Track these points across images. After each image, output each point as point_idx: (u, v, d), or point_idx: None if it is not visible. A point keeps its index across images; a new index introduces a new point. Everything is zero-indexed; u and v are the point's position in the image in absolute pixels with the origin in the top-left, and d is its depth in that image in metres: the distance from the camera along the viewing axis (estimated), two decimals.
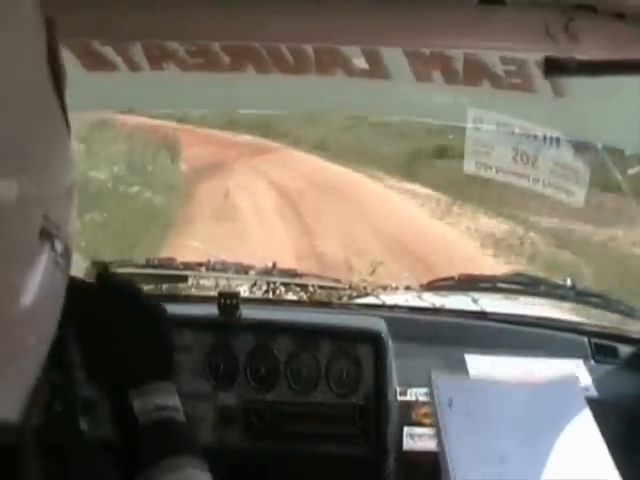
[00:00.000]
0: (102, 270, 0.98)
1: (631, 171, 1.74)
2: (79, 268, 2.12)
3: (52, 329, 0.65)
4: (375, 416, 1.76)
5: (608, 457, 1.43)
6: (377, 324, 1.85)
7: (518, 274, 2.27)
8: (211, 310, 1.81)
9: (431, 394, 1.44)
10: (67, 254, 0.65)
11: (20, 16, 0.61)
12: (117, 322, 0.92)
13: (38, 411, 0.65)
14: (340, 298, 2.12)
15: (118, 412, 0.89)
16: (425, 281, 2.21)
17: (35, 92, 0.61)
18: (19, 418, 0.60)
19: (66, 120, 0.66)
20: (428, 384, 1.47)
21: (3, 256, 0.55)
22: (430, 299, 2.09)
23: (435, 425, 1.40)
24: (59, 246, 0.62)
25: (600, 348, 1.92)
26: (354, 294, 2.15)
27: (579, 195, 1.70)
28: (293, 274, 2.21)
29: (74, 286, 0.83)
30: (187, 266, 2.18)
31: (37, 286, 0.59)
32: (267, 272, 2.19)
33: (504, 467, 1.35)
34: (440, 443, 1.38)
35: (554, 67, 1.14)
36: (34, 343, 0.62)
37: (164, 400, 0.89)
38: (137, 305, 0.95)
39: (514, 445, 1.39)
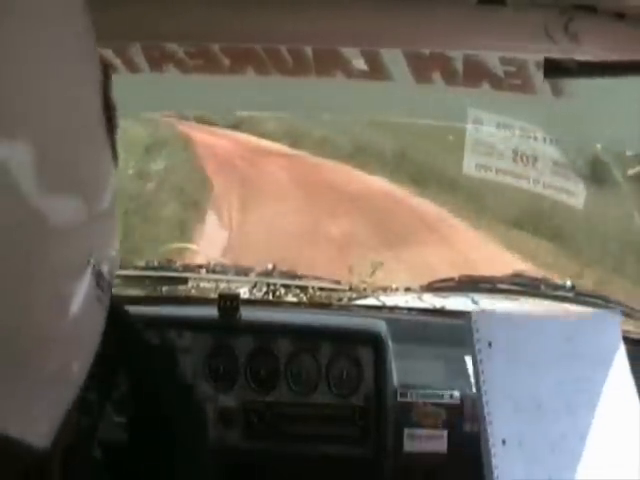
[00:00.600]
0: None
1: (631, 171, 1.74)
2: None
3: (92, 353, 0.65)
4: (375, 417, 1.76)
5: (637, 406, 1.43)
6: (377, 325, 1.85)
7: (518, 274, 2.27)
8: (211, 312, 1.81)
9: (471, 334, 1.41)
10: (109, 291, 0.65)
11: (80, 44, 0.62)
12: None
13: (66, 435, 0.65)
14: (340, 299, 2.12)
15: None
16: (425, 282, 2.21)
17: (87, 115, 0.61)
18: (48, 444, 0.59)
19: (113, 146, 0.66)
20: (467, 324, 1.42)
21: (51, 275, 0.55)
22: (430, 300, 2.08)
23: (474, 368, 1.37)
24: (103, 283, 0.62)
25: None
26: (354, 295, 2.14)
27: (579, 195, 1.70)
28: (293, 276, 2.21)
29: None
30: (187, 268, 2.18)
31: (82, 307, 0.58)
32: (267, 274, 2.19)
33: (540, 418, 1.34)
34: (479, 391, 1.35)
35: (554, 68, 1.14)
36: (74, 368, 0.62)
37: None
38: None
39: (550, 391, 1.37)
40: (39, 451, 0.58)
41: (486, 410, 1.32)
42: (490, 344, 1.38)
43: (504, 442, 1.31)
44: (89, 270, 0.59)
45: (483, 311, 1.45)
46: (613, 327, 1.50)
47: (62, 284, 0.56)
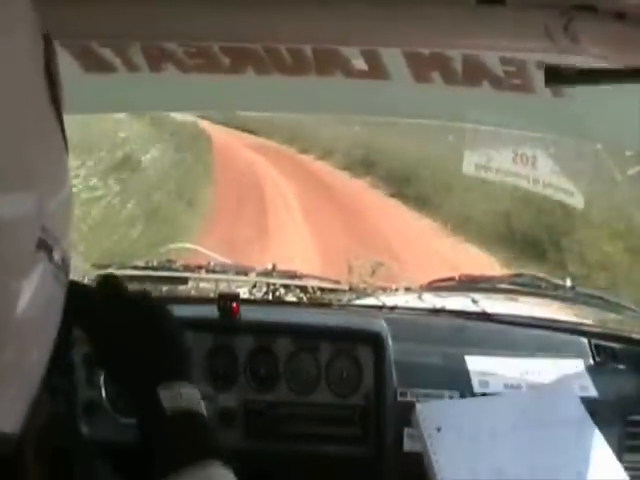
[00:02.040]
0: (110, 279, 0.98)
1: (631, 171, 1.74)
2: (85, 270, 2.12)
3: (51, 340, 0.65)
4: (375, 417, 1.76)
5: (613, 457, 1.41)
6: (377, 325, 1.85)
7: (518, 274, 2.27)
8: (211, 312, 1.81)
9: (417, 425, 1.40)
10: (65, 265, 0.65)
11: (18, 28, 0.61)
12: (135, 326, 0.92)
13: (37, 419, 0.65)
14: (340, 299, 2.12)
15: (143, 407, 0.89)
16: (425, 282, 2.21)
17: (33, 105, 0.61)
18: (18, 430, 0.59)
19: (63, 131, 0.66)
20: (414, 417, 1.42)
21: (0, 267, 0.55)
22: (430, 300, 2.08)
23: (425, 454, 1.37)
24: (57, 257, 0.62)
25: (600, 349, 1.91)
26: (354, 295, 2.14)
27: (579, 195, 1.70)
28: (293, 275, 2.21)
29: (84, 291, 0.83)
30: (187, 268, 2.18)
31: (35, 297, 0.58)
32: (267, 274, 2.19)
33: None
34: (432, 470, 1.35)
35: (555, 75, 1.14)
36: (33, 354, 0.62)
37: (191, 396, 0.89)
38: (153, 308, 0.95)
39: (511, 457, 1.36)
40: (10, 437, 0.58)
41: None
42: (439, 429, 1.39)
43: None
44: (43, 257, 0.59)
45: (427, 403, 1.46)
46: (570, 399, 1.49)
47: (12, 272, 0.56)
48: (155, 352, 0.91)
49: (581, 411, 1.45)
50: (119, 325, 0.91)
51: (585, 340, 1.94)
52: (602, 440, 1.43)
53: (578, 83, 1.16)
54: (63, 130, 0.66)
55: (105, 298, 0.93)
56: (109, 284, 0.95)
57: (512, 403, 1.43)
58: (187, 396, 0.88)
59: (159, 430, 0.86)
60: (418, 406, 1.36)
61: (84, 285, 0.97)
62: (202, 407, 0.90)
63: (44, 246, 0.59)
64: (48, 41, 0.65)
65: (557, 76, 1.14)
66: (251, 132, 15.58)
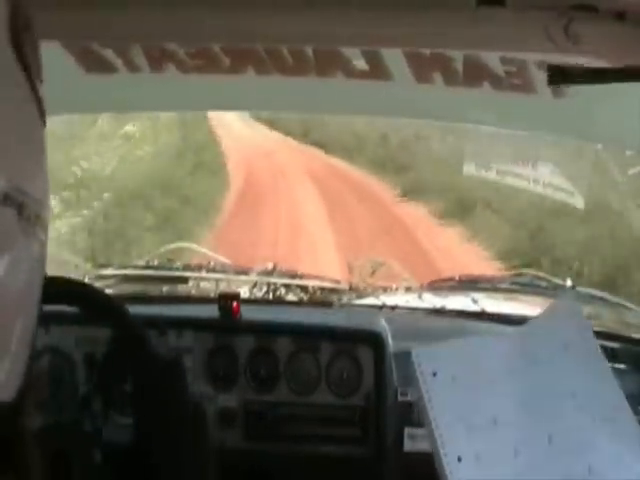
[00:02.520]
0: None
1: (631, 171, 1.74)
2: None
3: (34, 303, 0.64)
4: (375, 417, 1.76)
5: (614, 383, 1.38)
6: (377, 325, 1.85)
7: (518, 274, 2.27)
8: (211, 311, 1.81)
9: (412, 370, 1.39)
10: (41, 224, 0.63)
11: None
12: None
13: (33, 395, 0.66)
14: (340, 299, 2.12)
15: None
16: (426, 282, 2.21)
17: None
18: (11, 399, 0.59)
19: (31, 82, 0.65)
20: (409, 361, 1.41)
21: None
22: (430, 300, 2.08)
23: (419, 400, 1.35)
24: (28, 213, 0.60)
25: (600, 348, 1.91)
26: (354, 295, 2.14)
27: (579, 195, 1.70)
28: (293, 275, 2.21)
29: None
30: (187, 267, 2.18)
31: (3, 254, 0.57)
32: (267, 273, 2.19)
33: (497, 431, 1.31)
34: (427, 418, 1.33)
35: (558, 75, 1.14)
36: (12, 316, 0.61)
37: None
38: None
39: (508, 405, 1.34)
40: (6, 405, 0.58)
41: (437, 433, 1.30)
42: (435, 374, 1.36)
43: (460, 459, 1.30)
44: (10, 211, 0.57)
45: (424, 348, 1.44)
46: (574, 317, 1.45)
47: None
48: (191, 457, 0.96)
49: (584, 332, 1.42)
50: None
51: None
52: (605, 366, 1.39)
53: (579, 82, 1.16)
54: (32, 82, 0.65)
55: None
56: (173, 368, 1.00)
57: (512, 340, 1.40)
58: None
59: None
60: (414, 350, 1.35)
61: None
62: None
63: (11, 200, 0.57)
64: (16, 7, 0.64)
65: (559, 75, 1.14)
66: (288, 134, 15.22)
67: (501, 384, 1.34)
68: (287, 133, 14.93)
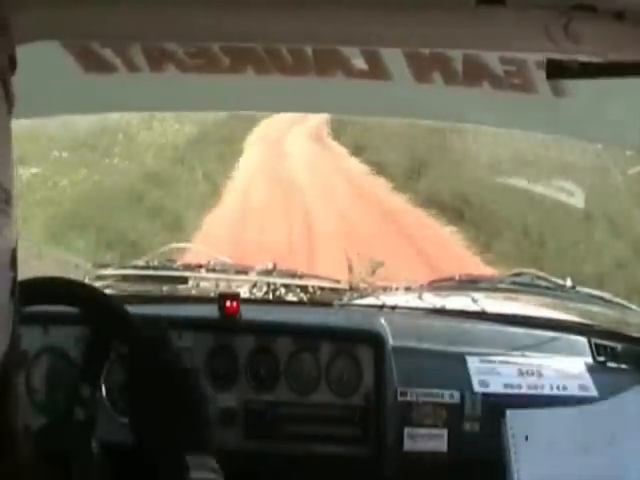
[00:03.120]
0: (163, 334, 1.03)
1: (631, 171, 1.74)
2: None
3: (5, 286, 0.65)
4: (375, 417, 1.76)
5: None
6: (377, 325, 1.85)
7: (518, 274, 2.27)
8: (211, 311, 1.81)
9: (503, 432, 1.33)
10: (8, 211, 0.65)
11: None
12: (176, 391, 0.96)
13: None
14: (340, 299, 2.12)
15: (170, 469, 0.92)
16: (426, 281, 2.21)
17: None
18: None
19: (2, 79, 0.67)
20: (501, 420, 1.34)
21: None
22: (430, 300, 2.08)
23: (506, 462, 1.29)
24: None
25: (600, 348, 1.91)
26: (354, 295, 2.14)
27: (579, 195, 1.70)
28: (293, 275, 2.20)
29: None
30: (187, 267, 2.18)
31: None
32: (267, 273, 2.19)
33: None
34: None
35: (556, 69, 1.14)
36: None
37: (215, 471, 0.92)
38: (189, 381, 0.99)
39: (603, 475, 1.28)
40: None
41: None
42: (527, 438, 1.30)
43: None
44: None
45: (517, 410, 1.36)
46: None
47: None
48: (189, 421, 0.95)
49: None
50: (160, 389, 0.95)
51: (585, 339, 1.94)
52: None
53: (580, 77, 1.16)
54: (3, 80, 0.67)
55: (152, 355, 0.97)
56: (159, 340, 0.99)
57: (610, 412, 1.35)
58: (213, 468, 0.92)
59: None
60: (508, 413, 1.29)
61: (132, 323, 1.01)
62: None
63: None
64: None
65: (558, 70, 1.14)
66: None
67: (599, 453, 1.28)
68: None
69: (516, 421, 1.33)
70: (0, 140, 0.68)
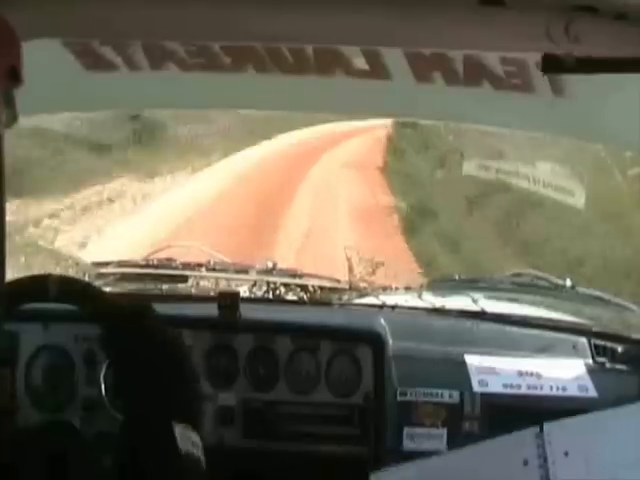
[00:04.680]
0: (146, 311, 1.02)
1: (631, 171, 1.74)
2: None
3: None
4: (375, 416, 1.76)
5: None
6: (377, 324, 1.85)
7: (518, 274, 2.27)
8: (211, 310, 1.81)
9: (541, 447, 1.26)
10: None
11: None
12: (161, 361, 0.95)
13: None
14: (340, 298, 2.12)
15: (157, 438, 0.91)
16: (426, 281, 2.21)
17: None
18: None
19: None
20: (538, 435, 1.25)
21: None
22: (430, 299, 2.08)
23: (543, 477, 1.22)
24: None
25: (600, 349, 1.91)
26: (354, 294, 2.14)
27: (579, 195, 1.70)
28: (293, 274, 2.20)
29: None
30: (187, 266, 2.18)
31: None
32: (267, 272, 2.18)
33: None
34: None
35: (553, 64, 1.14)
36: None
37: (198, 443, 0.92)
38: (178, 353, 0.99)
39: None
40: None
41: None
42: (567, 453, 1.24)
43: None
44: None
45: (555, 422, 1.28)
46: None
47: None
48: (176, 390, 0.94)
49: None
50: (146, 358, 0.94)
51: (585, 340, 1.94)
52: None
53: (576, 71, 1.16)
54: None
55: (137, 329, 0.96)
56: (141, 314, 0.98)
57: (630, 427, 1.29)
58: (196, 443, 0.91)
59: (169, 466, 0.88)
60: (546, 426, 1.23)
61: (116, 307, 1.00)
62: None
63: None
64: None
65: (555, 65, 1.14)
66: None
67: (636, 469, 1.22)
68: None
69: (554, 434, 1.26)
70: None
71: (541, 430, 1.25)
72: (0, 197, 0.68)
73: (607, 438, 1.25)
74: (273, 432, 1.77)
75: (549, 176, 1.69)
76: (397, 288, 2.16)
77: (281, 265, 2.23)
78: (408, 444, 1.76)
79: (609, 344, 1.93)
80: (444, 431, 1.77)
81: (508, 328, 2.00)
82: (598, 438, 1.26)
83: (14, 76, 0.73)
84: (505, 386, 1.79)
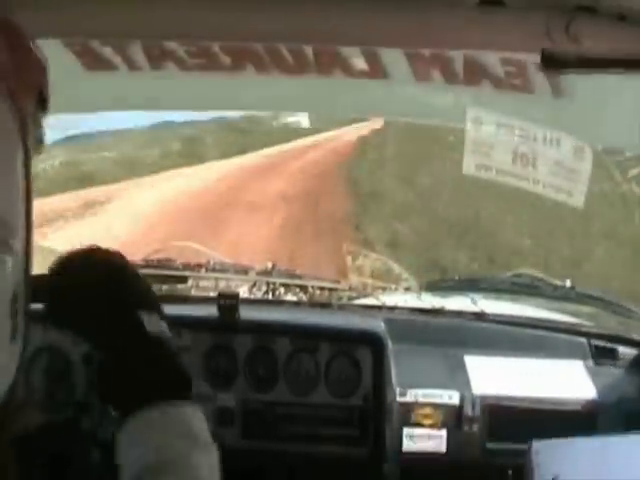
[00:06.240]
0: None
1: (631, 172, 1.74)
2: None
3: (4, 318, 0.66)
4: (374, 417, 1.75)
5: None
6: (376, 325, 1.85)
7: (518, 275, 2.27)
8: (210, 311, 1.81)
9: (529, 469, 1.21)
10: (8, 249, 0.65)
11: None
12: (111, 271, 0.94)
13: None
14: (340, 299, 2.12)
15: (124, 326, 0.90)
16: (425, 282, 2.21)
17: None
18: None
19: (22, 124, 0.67)
20: (527, 454, 1.22)
21: None
22: (429, 300, 2.08)
23: None
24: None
25: (600, 350, 1.91)
26: (353, 295, 2.14)
27: (579, 195, 1.70)
28: (292, 275, 2.20)
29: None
30: (187, 267, 2.18)
31: None
32: (266, 273, 2.18)
33: None
34: None
35: (553, 64, 1.14)
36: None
37: (165, 326, 0.91)
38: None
39: None
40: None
41: None
42: (555, 479, 1.21)
43: None
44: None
45: (544, 442, 1.25)
46: None
47: None
48: (131, 287, 0.93)
49: None
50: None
51: (585, 340, 1.94)
52: None
53: (575, 69, 1.16)
54: (23, 126, 0.67)
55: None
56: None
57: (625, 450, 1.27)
58: (163, 325, 0.90)
59: (141, 349, 0.87)
60: (534, 445, 1.19)
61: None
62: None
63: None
64: None
65: (555, 63, 1.14)
66: None
67: None
68: None
69: (543, 456, 1.23)
70: (5, 172, 0.67)
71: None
72: (28, 219, 0.68)
73: (599, 462, 1.23)
74: (272, 433, 1.77)
75: (549, 176, 1.69)
76: (396, 289, 2.17)
77: (280, 266, 2.23)
78: (408, 445, 1.76)
79: (609, 345, 1.93)
80: (443, 432, 1.76)
81: (507, 329, 2.00)
82: (588, 462, 1.23)
83: (41, 101, 0.73)
84: (505, 387, 1.79)
